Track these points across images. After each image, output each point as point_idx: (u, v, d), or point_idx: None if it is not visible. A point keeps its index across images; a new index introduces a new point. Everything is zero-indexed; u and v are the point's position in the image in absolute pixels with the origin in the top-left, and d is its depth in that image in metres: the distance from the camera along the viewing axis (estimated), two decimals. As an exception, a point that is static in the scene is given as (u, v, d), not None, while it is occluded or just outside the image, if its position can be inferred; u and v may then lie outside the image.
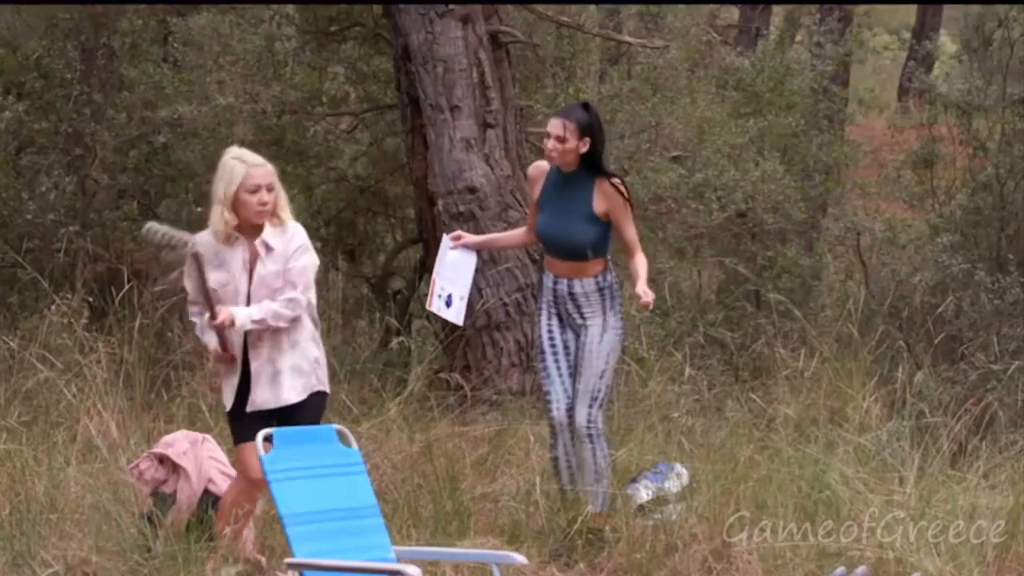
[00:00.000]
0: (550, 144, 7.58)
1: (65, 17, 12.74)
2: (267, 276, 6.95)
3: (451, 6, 10.42)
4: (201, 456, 7.57)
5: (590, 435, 7.58)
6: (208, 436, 7.81)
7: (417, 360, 10.54)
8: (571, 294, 7.62)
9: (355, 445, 6.46)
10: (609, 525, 7.53)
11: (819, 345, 9.70)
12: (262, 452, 6.25)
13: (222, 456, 7.72)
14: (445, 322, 10.46)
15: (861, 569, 6.75)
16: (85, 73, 12.67)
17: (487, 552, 6.74)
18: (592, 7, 13.63)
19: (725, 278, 13.08)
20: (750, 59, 14.38)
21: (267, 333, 6.95)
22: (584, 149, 7.56)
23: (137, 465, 7.59)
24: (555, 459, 7.70)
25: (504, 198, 10.49)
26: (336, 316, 12.02)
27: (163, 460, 7.52)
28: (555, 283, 7.67)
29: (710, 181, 12.14)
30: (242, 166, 6.93)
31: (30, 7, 13.26)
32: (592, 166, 7.60)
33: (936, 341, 11.13)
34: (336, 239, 13.33)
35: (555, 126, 7.58)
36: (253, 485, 6.90)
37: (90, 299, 10.80)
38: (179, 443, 7.59)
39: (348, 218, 13.35)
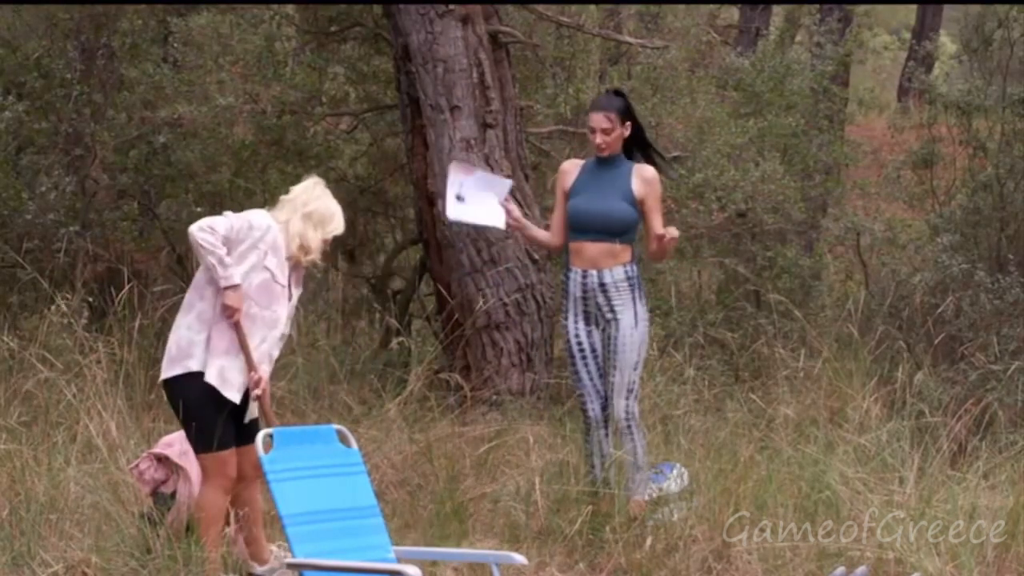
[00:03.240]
0: (599, 139, 7.77)
1: (65, 17, 12.74)
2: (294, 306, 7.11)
3: (451, 6, 10.41)
4: (201, 456, 7.57)
5: (629, 427, 7.73)
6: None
7: (417, 360, 10.54)
8: (602, 285, 7.74)
9: (355, 445, 6.46)
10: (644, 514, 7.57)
11: (819, 345, 9.70)
12: (262, 452, 6.24)
13: (222, 456, 7.70)
14: (446, 321, 10.51)
15: (861, 569, 6.75)
16: (85, 73, 12.66)
17: (487, 552, 6.75)
18: (592, 7, 13.62)
19: (725, 278, 13.07)
20: (750, 59, 14.37)
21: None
22: (627, 132, 7.80)
23: (137, 465, 7.58)
24: (589, 454, 7.85)
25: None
26: (336, 316, 12.02)
27: (163, 460, 7.52)
28: (584, 276, 7.77)
29: (710, 181, 12.13)
30: (341, 219, 7.15)
31: (30, 7, 13.25)
32: (639, 146, 7.86)
33: (936, 341, 11.12)
34: (336, 239, 13.31)
35: (599, 120, 7.78)
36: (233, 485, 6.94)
37: (90, 299, 10.79)
38: (178, 443, 7.58)
39: (348, 218, 13.26)
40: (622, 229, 7.71)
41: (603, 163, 7.83)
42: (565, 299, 7.87)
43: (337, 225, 7.12)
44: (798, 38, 19.35)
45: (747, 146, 12.90)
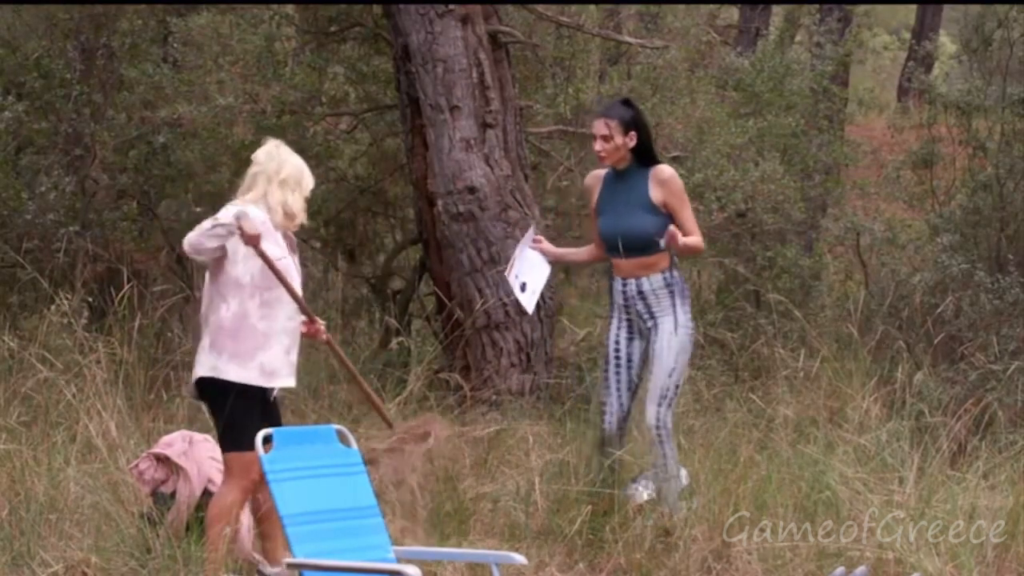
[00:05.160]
0: (597, 145, 7.68)
1: (65, 17, 12.75)
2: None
3: (451, 6, 10.42)
4: (201, 456, 7.57)
5: (659, 435, 7.60)
6: (208, 436, 7.81)
7: (417, 360, 10.54)
8: (640, 292, 7.65)
9: (355, 445, 6.46)
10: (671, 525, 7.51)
11: (819, 345, 9.70)
12: (262, 452, 6.24)
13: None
14: (446, 321, 10.53)
15: (861, 569, 6.75)
16: (85, 73, 12.67)
17: (487, 552, 6.74)
18: (592, 7, 13.62)
19: (725, 278, 13.07)
20: (750, 59, 14.37)
21: None
22: (632, 143, 7.65)
23: (137, 465, 7.59)
24: (599, 464, 7.73)
25: (504, 198, 10.49)
26: (336, 316, 12.02)
27: (162, 460, 7.52)
28: (624, 285, 7.69)
29: (710, 181, 12.14)
30: (308, 172, 6.99)
31: (30, 7, 13.25)
32: (644, 158, 7.67)
33: (936, 341, 11.12)
34: (336, 239, 13.33)
35: (598, 126, 7.69)
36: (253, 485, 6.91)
37: (90, 299, 10.80)
38: (178, 443, 7.59)
39: (348, 218, 13.35)
40: (649, 242, 7.58)
41: (620, 174, 7.72)
42: (611, 305, 7.82)
43: (309, 179, 7.01)
44: (798, 38, 19.34)
45: (747, 146, 12.90)
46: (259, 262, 6.80)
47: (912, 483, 7.93)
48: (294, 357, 6.93)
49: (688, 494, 7.68)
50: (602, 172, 7.84)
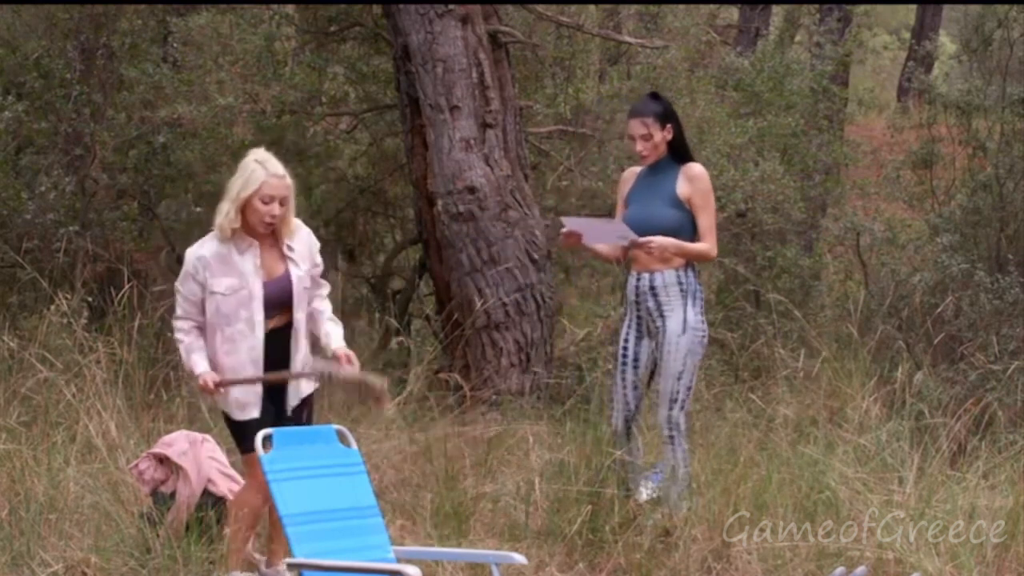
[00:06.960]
0: (639, 146, 7.63)
1: (65, 17, 12.75)
2: (303, 278, 7.01)
3: (451, 6, 10.42)
4: (201, 456, 7.58)
5: (671, 436, 7.58)
6: (208, 436, 7.81)
7: (417, 360, 10.54)
8: (652, 288, 7.58)
9: (355, 445, 6.46)
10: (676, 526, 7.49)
11: (819, 345, 9.69)
12: (261, 452, 6.25)
13: (222, 456, 7.72)
14: (446, 321, 10.52)
15: (861, 569, 6.74)
16: (85, 73, 12.68)
17: (487, 552, 6.74)
18: (592, 7, 13.62)
19: (725, 278, 13.08)
20: (750, 59, 14.38)
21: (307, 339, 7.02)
22: (670, 136, 7.63)
23: (137, 465, 7.59)
24: (621, 466, 7.71)
25: (504, 198, 10.49)
26: (336, 316, 12.01)
27: (163, 460, 7.53)
28: (638, 279, 7.63)
29: (710, 181, 12.14)
30: (263, 172, 6.84)
31: (30, 7, 13.26)
32: (677, 152, 7.65)
33: (936, 341, 11.12)
34: (336, 239, 13.34)
35: (636, 127, 7.63)
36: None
37: (90, 299, 10.79)
38: (179, 443, 7.60)
39: (348, 218, 13.36)
40: (668, 235, 7.49)
41: (652, 169, 7.68)
42: (625, 303, 7.78)
43: (248, 177, 6.87)
44: (798, 38, 19.36)
45: (747, 146, 12.90)
46: (219, 299, 6.82)
47: (912, 483, 7.92)
48: (260, 387, 6.84)
49: (688, 494, 7.68)
50: (638, 168, 7.80)
